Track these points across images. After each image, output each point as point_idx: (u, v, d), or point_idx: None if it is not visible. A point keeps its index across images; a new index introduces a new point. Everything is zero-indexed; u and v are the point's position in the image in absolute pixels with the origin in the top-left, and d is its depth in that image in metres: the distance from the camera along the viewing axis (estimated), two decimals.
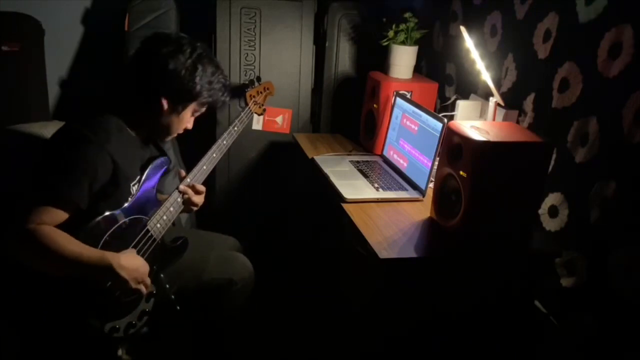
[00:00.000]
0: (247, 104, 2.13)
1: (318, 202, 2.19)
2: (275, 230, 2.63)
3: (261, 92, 2.23)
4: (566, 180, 1.61)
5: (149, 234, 1.49)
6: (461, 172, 1.51)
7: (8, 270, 1.36)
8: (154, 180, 1.57)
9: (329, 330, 2.17)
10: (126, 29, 2.47)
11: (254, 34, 2.47)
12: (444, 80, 2.35)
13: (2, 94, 2.41)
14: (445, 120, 1.76)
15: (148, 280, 1.44)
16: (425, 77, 2.34)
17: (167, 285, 1.57)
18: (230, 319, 1.81)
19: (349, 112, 2.48)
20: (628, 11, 1.41)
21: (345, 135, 2.48)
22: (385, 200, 1.81)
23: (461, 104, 2.02)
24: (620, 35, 1.43)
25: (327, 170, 1.98)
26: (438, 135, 1.78)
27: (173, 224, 1.62)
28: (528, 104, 1.78)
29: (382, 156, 2.18)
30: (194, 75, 1.46)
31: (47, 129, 1.77)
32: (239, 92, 2.47)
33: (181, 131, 1.59)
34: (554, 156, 1.63)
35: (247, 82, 2.24)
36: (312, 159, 2.12)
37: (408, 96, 2.13)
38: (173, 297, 1.58)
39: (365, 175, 1.97)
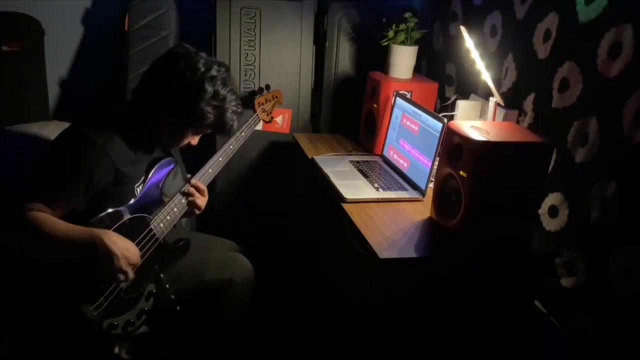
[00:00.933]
0: (255, 111, 2.13)
1: (318, 202, 2.19)
2: (275, 231, 2.63)
3: (270, 100, 2.24)
4: (566, 180, 1.61)
5: (152, 233, 1.50)
6: (461, 172, 1.51)
7: (4, 264, 1.37)
8: (159, 180, 1.57)
9: (329, 330, 2.17)
10: (126, 29, 2.48)
11: (254, 34, 2.47)
12: (444, 80, 2.35)
13: (2, 94, 2.42)
14: (445, 120, 1.76)
15: (138, 261, 1.40)
16: (425, 77, 2.34)
17: (167, 285, 1.57)
18: (230, 319, 1.81)
19: (349, 112, 2.48)
20: (628, 11, 1.41)
21: (345, 135, 2.48)
22: (385, 200, 1.81)
23: (461, 104, 2.02)
24: (620, 35, 1.43)
25: (327, 170, 1.98)
26: (438, 135, 1.78)
27: (174, 225, 1.63)
28: (528, 104, 1.78)
29: (382, 156, 2.18)
30: (199, 97, 1.44)
31: (47, 129, 1.77)
32: (246, 99, 2.47)
33: (182, 145, 1.59)
34: (554, 156, 1.63)
35: (256, 89, 2.25)
36: (312, 159, 2.12)
37: (408, 96, 2.13)
38: (173, 297, 1.59)
39: (365, 175, 1.97)
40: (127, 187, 1.46)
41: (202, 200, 1.65)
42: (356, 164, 2.08)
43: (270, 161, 2.60)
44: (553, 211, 1.65)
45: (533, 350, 1.72)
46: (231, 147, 1.81)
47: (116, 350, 1.60)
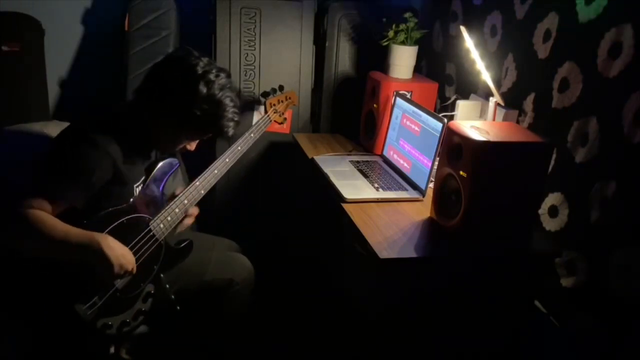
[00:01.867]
0: (266, 112, 2.12)
1: (318, 202, 2.19)
2: (275, 231, 2.63)
3: (282, 101, 2.21)
4: (566, 180, 1.61)
5: (151, 234, 1.49)
6: (461, 172, 1.51)
7: (3, 264, 1.37)
8: (161, 181, 1.57)
9: (329, 331, 2.17)
10: (126, 29, 2.48)
11: (254, 34, 2.47)
12: (444, 80, 2.35)
13: (2, 94, 2.42)
14: (445, 120, 1.76)
15: (134, 270, 1.40)
16: (425, 77, 2.34)
17: (168, 285, 1.57)
18: (230, 319, 1.81)
19: (349, 112, 2.48)
20: (628, 11, 1.41)
21: (345, 135, 2.48)
22: (385, 200, 1.80)
23: (461, 104, 2.02)
24: (620, 35, 1.43)
25: (327, 170, 1.98)
26: (438, 135, 1.78)
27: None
28: (528, 104, 1.78)
29: (382, 156, 2.18)
30: (192, 100, 1.42)
31: (47, 129, 1.77)
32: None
33: (178, 149, 1.58)
34: (554, 156, 1.63)
35: (268, 90, 2.23)
36: (312, 159, 2.12)
37: (408, 96, 2.13)
38: (173, 297, 1.58)
39: (365, 175, 1.97)
40: (126, 187, 1.46)
41: (188, 220, 1.66)
42: (356, 164, 2.08)
43: (270, 161, 2.60)
44: (553, 211, 1.65)
45: (533, 350, 1.72)
46: (239, 148, 1.79)
47: (112, 350, 1.60)
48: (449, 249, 1.56)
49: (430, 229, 1.65)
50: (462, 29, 1.92)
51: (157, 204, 1.55)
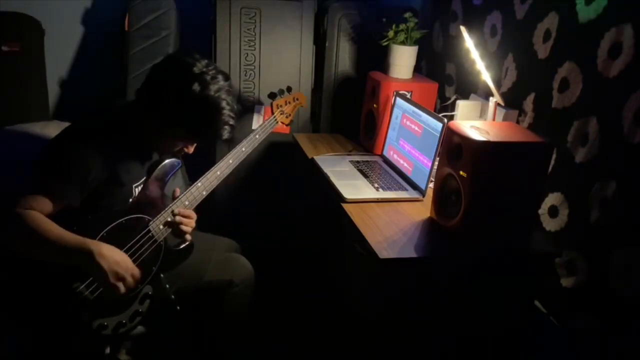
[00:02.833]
0: (272, 113, 2.11)
1: (318, 202, 2.19)
2: (275, 231, 2.63)
3: (290, 102, 2.17)
4: (566, 180, 1.61)
5: (150, 234, 1.49)
6: (461, 172, 1.51)
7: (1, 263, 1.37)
8: (162, 181, 1.56)
9: (329, 331, 2.17)
10: (126, 29, 2.47)
11: (254, 34, 2.47)
12: (444, 80, 2.35)
13: (2, 94, 2.42)
14: (445, 120, 1.76)
15: (130, 280, 1.37)
16: (425, 77, 2.34)
17: (167, 286, 1.57)
18: (230, 320, 1.81)
19: (349, 112, 2.48)
20: (628, 11, 1.41)
21: (345, 135, 2.48)
22: (385, 200, 1.80)
23: (461, 104, 2.02)
24: (620, 35, 1.43)
25: (327, 170, 1.98)
26: (438, 135, 1.78)
27: None
28: (528, 104, 1.78)
29: (382, 156, 2.18)
30: (184, 101, 1.40)
31: (47, 129, 1.77)
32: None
33: (175, 151, 1.57)
34: (554, 156, 1.63)
35: (276, 91, 2.22)
36: (312, 159, 2.12)
37: (408, 96, 2.13)
38: (173, 297, 1.58)
39: (365, 175, 1.97)
40: (124, 187, 1.45)
41: (189, 226, 1.58)
42: (356, 164, 2.08)
43: (270, 161, 2.60)
44: (553, 211, 1.65)
45: (533, 350, 1.72)
46: (243, 149, 1.77)
47: (107, 350, 1.59)
48: (449, 249, 1.56)
49: (430, 229, 1.65)
50: (462, 29, 1.92)
51: (157, 204, 1.55)
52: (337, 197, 1.79)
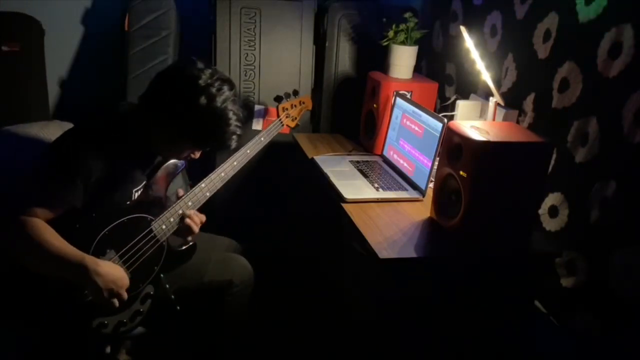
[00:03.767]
0: (278, 116, 2.11)
1: (318, 202, 2.19)
2: (275, 231, 2.63)
3: (296, 106, 2.18)
4: (566, 180, 1.61)
5: (152, 234, 1.49)
6: (461, 172, 1.51)
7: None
8: (165, 182, 1.56)
9: (328, 331, 2.17)
10: (126, 29, 2.47)
11: (254, 34, 2.47)
12: (444, 80, 2.35)
13: (2, 94, 2.41)
14: (445, 120, 1.76)
15: (124, 295, 1.39)
16: (425, 77, 2.34)
17: (167, 286, 1.57)
18: (229, 320, 1.81)
19: (349, 112, 2.48)
20: (628, 11, 1.41)
21: (345, 135, 2.48)
22: (385, 200, 1.80)
23: (461, 104, 2.02)
24: (620, 35, 1.43)
25: (327, 170, 1.98)
26: (438, 135, 1.78)
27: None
28: (528, 104, 1.78)
29: (382, 156, 2.18)
30: (192, 110, 1.40)
31: (47, 129, 1.76)
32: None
33: (181, 158, 1.57)
34: (554, 156, 1.63)
35: (282, 94, 2.22)
36: (312, 159, 2.12)
37: (408, 96, 2.13)
38: (173, 297, 1.58)
39: (365, 175, 1.97)
40: (123, 191, 1.45)
41: (197, 227, 1.60)
42: (356, 164, 2.08)
43: (270, 161, 2.60)
44: (553, 211, 1.65)
45: (533, 350, 1.72)
46: (248, 151, 1.78)
47: (107, 350, 1.59)
48: (449, 249, 1.56)
49: (430, 229, 1.65)
50: (462, 29, 1.92)
51: (160, 204, 1.55)
52: (337, 197, 1.79)
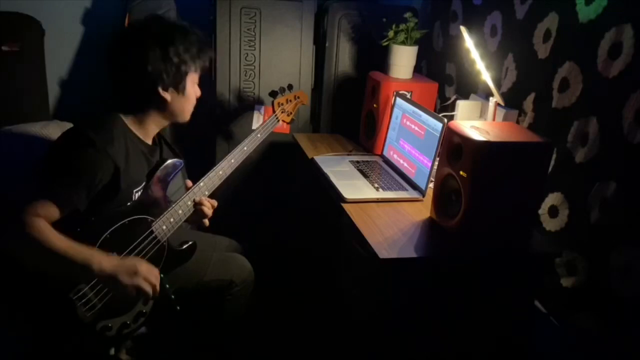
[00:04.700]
0: (274, 112, 2.11)
1: (318, 202, 2.19)
2: (274, 231, 2.63)
3: (291, 101, 2.17)
4: (566, 180, 1.61)
5: (153, 235, 1.49)
6: (461, 172, 1.51)
7: (3, 263, 1.37)
8: (164, 182, 1.56)
9: (328, 331, 2.17)
10: None
11: (254, 34, 2.47)
12: (444, 80, 2.35)
13: (2, 94, 2.41)
14: (445, 120, 1.76)
15: (148, 279, 1.40)
16: (425, 77, 2.34)
17: (167, 286, 1.57)
18: (229, 320, 1.81)
19: (349, 112, 2.48)
20: (628, 11, 1.41)
21: (345, 135, 2.48)
22: (385, 200, 1.80)
23: (461, 104, 2.02)
24: (620, 35, 1.43)
25: (327, 170, 1.98)
26: (438, 135, 1.78)
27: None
28: (528, 104, 1.78)
29: (382, 156, 2.18)
30: (171, 56, 1.44)
31: (47, 129, 1.77)
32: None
33: (194, 104, 1.59)
34: (554, 156, 1.63)
35: (277, 89, 2.22)
36: (312, 159, 2.12)
37: (408, 96, 2.13)
38: (173, 297, 1.58)
39: (365, 175, 1.97)
40: (125, 191, 1.45)
41: (211, 210, 1.64)
42: (356, 164, 2.08)
43: (270, 161, 2.60)
44: (553, 211, 1.65)
45: (533, 350, 1.72)
46: (245, 148, 1.77)
47: (112, 352, 1.59)
48: (449, 249, 1.56)
49: (430, 229, 1.65)
50: (462, 29, 1.92)
51: (160, 205, 1.55)
52: (337, 197, 1.79)
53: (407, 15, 2.17)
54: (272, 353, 2.10)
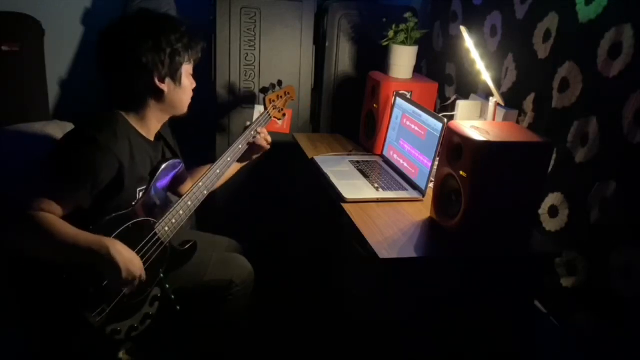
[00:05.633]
0: (266, 109, 2.11)
1: (318, 202, 2.18)
2: (274, 231, 2.63)
3: (281, 97, 2.17)
4: (566, 180, 1.61)
5: (157, 237, 1.49)
6: (461, 172, 1.51)
7: (10, 266, 1.37)
8: (164, 183, 1.56)
9: (328, 331, 2.17)
10: None
11: (254, 34, 2.47)
12: (444, 80, 2.35)
13: (2, 94, 2.41)
14: (445, 120, 1.76)
15: (138, 281, 1.40)
16: (425, 77, 2.34)
17: (168, 286, 1.57)
18: (229, 320, 1.81)
19: (349, 112, 2.48)
20: (628, 11, 1.41)
21: (345, 135, 2.48)
22: (385, 200, 1.80)
23: (461, 104, 2.02)
24: (620, 35, 1.43)
25: (327, 170, 1.98)
26: (438, 135, 1.78)
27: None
28: (528, 104, 1.78)
29: (382, 156, 2.18)
30: (164, 46, 1.45)
31: (47, 129, 1.77)
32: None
33: (191, 95, 1.59)
34: (554, 156, 1.63)
35: (267, 86, 2.22)
36: (312, 159, 2.12)
37: (408, 96, 2.13)
38: (173, 297, 1.58)
39: (365, 175, 1.97)
40: (129, 189, 1.45)
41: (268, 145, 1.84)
42: (356, 164, 2.08)
43: (270, 161, 2.60)
44: (553, 211, 1.65)
45: (533, 350, 1.72)
46: (240, 146, 1.78)
47: (120, 355, 1.59)
48: (449, 249, 1.56)
49: (430, 229, 1.65)
50: (462, 29, 1.92)
51: (161, 206, 1.55)
52: (337, 197, 1.79)
53: (407, 15, 2.17)
54: (272, 353, 2.10)
